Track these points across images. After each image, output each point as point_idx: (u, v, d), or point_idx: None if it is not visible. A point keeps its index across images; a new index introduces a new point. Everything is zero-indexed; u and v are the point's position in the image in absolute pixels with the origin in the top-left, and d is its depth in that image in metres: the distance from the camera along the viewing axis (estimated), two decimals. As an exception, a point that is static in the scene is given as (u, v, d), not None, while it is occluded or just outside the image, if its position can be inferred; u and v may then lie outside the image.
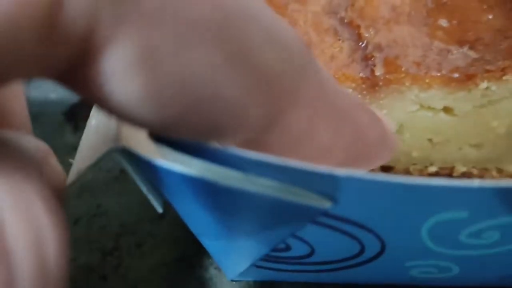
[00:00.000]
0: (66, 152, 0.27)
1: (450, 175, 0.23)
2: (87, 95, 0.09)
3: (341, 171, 0.12)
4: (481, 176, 0.23)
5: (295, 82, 0.11)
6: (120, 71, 0.08)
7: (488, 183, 0.11)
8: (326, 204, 0.13)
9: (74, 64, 0.08)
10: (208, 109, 0.09)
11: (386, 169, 0.23)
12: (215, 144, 0.12)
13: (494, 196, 0.12)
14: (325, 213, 0.13)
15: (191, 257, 0.21)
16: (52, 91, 0.28)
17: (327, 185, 0.12)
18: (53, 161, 0.12)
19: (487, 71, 0.20)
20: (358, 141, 0.14)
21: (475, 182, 0.11)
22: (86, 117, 0.15)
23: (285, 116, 0.11)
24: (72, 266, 0.21)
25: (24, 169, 0.09)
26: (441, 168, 0.23)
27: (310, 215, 0.13)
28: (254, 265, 0.18)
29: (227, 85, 0.09)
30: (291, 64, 0.11)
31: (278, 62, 0.10)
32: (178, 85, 0.09)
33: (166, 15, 0.08)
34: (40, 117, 0.27)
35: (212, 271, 0.21)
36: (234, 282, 0.20)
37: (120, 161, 0.13)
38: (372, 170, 0.23)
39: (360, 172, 0.12)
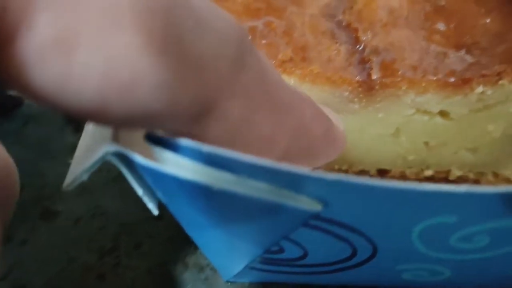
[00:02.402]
0: (67, 153, 0.27)
1: (446, 178, 0.23)
2: (7, 81, 0.09)
3: (332, 175, 0.12)
4: (477, 180, 0.23)
5: (232, 71, 0.11)
6: (35, 54, 0.08)
7: (475, 188, 0.12)
8: (318, 207, 0.13)
9: None
10: (130, 94, 0.09)
11: (382, 172, 0.23)
12: (209, 147, 0.12)
13: (481, 201, 0.12)
14: (317, 216, 0.13)
15: (187, 257, 0.22)
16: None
17: (318, 188, 0.13)
18: None
19: (483, 75, 0.20)
20: (301, 135, 0.13)
21: (463, 187, 0.12)
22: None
23: (221, 104, 0.11)
24: (71, 265, 0.21)
25: None
26: (437, 172, 0.23)
27: (302, 218, 0.14)
28: (249, 267, 0.19)
29: (151, 70, 0.09)
30: (227, 52, 0.11)
31: (211, 49, 0.10)
32: (96, 68, 0.08)
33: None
34: (41, 118, 0.27)
35: (208, 272, 0.21)
36: (229, 283, 0.21)
37: (116, 164, 0.14)
38: (368, 173, 0.23)
39: (349, 177, 0.12)
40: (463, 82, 0.20)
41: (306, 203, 0.13)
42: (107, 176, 0.24)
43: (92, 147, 0.14)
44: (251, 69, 0.11)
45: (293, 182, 0.12)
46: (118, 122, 0.10)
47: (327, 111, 0.15)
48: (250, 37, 0.12)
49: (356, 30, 0.21)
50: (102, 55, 0.08)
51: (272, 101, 0.12)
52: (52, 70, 0.08)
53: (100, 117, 0.09)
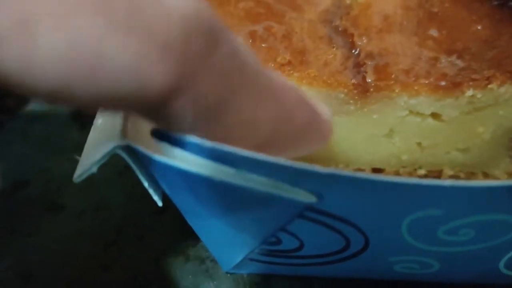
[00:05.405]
0: (73, 149, 0.28)
1: (438, 178, 0.24)
2: None
3: (325, 169, 0.13)
4: (467, 180, 0.24)
5: (203, 50, 0.10)
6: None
7: (459, 182, 0.13)
8: (312, 199, 0.14)
9: None
10: (95, 76, 0.09)
11: (377, 171, 0.24)
12: (211, 143, 0.13)
13: (466, 195, 0.13)
14: (311, 208, 0.14)
15: (189, 250, 0.22)
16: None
17: (312, 181, 0.13)
18: None
19: (473, 79, 0.21)
20: (284, 121, 0.13)
21: (447, 182, 0.12)
22: (91, 115, 0.16)
23: (194, 84, 0.11)
24: (75, 256, 0.22)
25: None
26: (429, 171, 0.24)
27: (297, 209, 0.14)
28: (248, 258, 0.19)
29: (116, 52, 0.09)
30: (196, 32, 0.10)
31: (177, 28, 0.10)
32: (59, 49, 0.09)
33: None
34: (47, 115, 0.28)
35: (208, 264, 0.22)
36: (229, 275, 0.22)
37: (124, 157, 0.14)
38: (363, 171, 0.24)
39: (342, 171, 0.13)
40: (454, 86, 0.21)
41: (302, 195, 0.14)
42: (112, 170, 0.25)
43: (101, 141, 0.15)
44: (226, 48, 0.11)
45: (289, 175, 0.13)
46: (86, 104, 0.10)
47: (313, 99, 0.15)
48: (220, 21, 0.11)
49: (352, 35, 0.22)
50: (64, 36, 0.08)
51: (251, 84, 0.12)
52: (14, 52, 0.08)
53: (67, 99, 0.09)
